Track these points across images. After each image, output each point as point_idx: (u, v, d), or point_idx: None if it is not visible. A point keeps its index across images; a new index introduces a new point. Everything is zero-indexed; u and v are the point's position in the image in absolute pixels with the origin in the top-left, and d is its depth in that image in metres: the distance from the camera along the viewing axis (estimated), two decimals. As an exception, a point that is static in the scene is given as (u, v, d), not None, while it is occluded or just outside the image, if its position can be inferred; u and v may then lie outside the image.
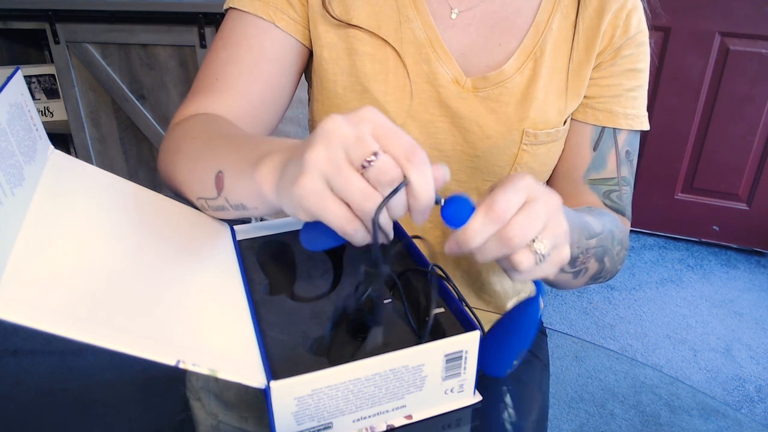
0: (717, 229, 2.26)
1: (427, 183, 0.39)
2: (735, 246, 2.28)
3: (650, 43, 0.70)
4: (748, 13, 1.95)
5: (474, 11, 0.67)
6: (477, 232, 0.41)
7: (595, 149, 0.69)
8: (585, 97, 0.68)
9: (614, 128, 0.68)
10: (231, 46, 0.65)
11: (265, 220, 0.63)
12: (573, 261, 0.57)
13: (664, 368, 1.72)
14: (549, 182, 0.75)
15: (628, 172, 0.71)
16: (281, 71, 0.67)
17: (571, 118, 0.70)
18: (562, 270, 0.57)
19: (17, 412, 0.53)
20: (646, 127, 0.70)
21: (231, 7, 0.66)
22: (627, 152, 0.70)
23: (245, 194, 0.47)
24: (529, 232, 0.41)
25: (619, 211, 0.71)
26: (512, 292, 0.80)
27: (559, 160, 0.72)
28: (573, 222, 0.53)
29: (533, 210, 0.41)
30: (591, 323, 1.91)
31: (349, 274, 0.55)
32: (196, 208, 0.57)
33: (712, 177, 2.19)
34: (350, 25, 0.65)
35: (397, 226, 0.60)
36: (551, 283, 0.64)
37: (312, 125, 0.75)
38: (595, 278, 0.66)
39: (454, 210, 0.42)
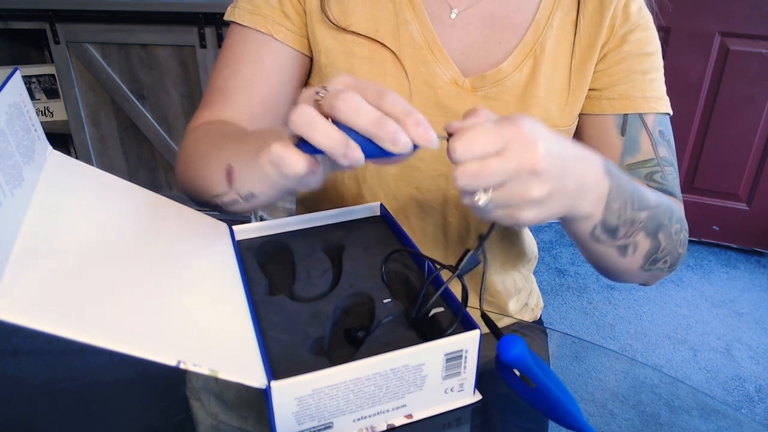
0: (717, 229, 2.26)
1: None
2: (735, 246, 2.27)
3: None
4: (748, 13, 1.95)
5: (474, 9, 0.67)
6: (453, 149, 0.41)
7: (623, 134, 0.67)
8: (596, 89, 0.68)
9: (639, 113, 0.66)
10: (233, 62, 0.68)
11: (265, 220, 0.64)
12: (613, 232, 0.53)
13: (664, 368, 1.72)
14: None
15: (668, 152, 0.67)
16: (282, 82, 0.68)
17: (586, 115, 0.69)
18: (597, 240, 0.53)
19: (17, 412, 0.53)
20: (669, 110, 0.68)
21: (232, 21, 0.68)
22: (660, 132, 0.67)
23: (253, 180, 0.49)
24: (477, 182, 0.40)
25: (667, 192, 0.66)
26: (513, 290, 0.80)
27: None
28: (619, 189, 0.50)
29: (492, 165, 0.40)
30: (591, 323, 1.91)
31: (348, 273, 0.55)
32: (210, 210, 0.59)
33: (712, 177, 2.19)
34: (348, 31, 0.66)
35: (404, 236, 0.60)
36: (605, 266, 0.59)
37: None
38: (653, 259, 0.59)
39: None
